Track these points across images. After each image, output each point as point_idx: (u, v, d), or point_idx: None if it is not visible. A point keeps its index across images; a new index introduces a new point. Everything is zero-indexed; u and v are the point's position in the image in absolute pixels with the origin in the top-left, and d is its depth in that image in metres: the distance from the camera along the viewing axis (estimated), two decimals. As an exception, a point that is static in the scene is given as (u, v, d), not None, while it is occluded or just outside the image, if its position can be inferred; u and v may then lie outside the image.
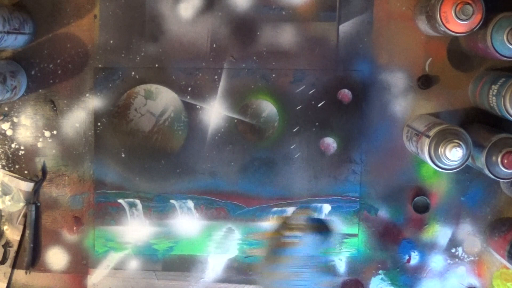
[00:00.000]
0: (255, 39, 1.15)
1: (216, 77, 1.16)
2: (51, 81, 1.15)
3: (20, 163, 1.17)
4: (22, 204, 1.17)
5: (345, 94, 1.17)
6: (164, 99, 1.16)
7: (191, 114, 1.17)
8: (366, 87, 1.16)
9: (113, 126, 1.17)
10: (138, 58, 1.15)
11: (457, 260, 1.21)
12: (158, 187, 1.18)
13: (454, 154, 0.99)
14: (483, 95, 1.09)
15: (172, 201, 1.19)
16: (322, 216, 1.19)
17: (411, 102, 1.16)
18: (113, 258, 1.20)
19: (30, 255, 1.17)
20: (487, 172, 1.04)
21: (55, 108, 1.16)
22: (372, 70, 1.16)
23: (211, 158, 1.18)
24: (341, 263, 1.21)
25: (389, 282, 1.21)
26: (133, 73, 1.15)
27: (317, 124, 1.17)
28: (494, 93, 1.04)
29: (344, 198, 1.19)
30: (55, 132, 1.16)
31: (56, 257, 1.19)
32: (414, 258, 1.20)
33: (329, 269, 1.20)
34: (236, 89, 1.16)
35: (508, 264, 1.14)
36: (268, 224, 1.19)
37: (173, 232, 1.20)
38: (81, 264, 1.19)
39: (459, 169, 1.02)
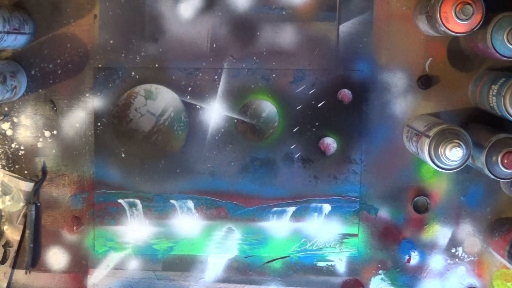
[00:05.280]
0: (255, 39, 1.15)
1: (216, 77, 1.16)
2: (51, 81, 1.15)
3: (20, 163, 1.17)
4: (22, 204, 1.17)
5: (345, 94, 1.17)
6: (164, 99, 1.16)
7: (191, 114, 1.17)
8: (366, 87, 1.16)
9: (113, 126, 1.17)
10: (138, 58, 1.15)
11: (457, 260, 1.21)
12: (158, 187, 1.18)
13: (454, 154, 0.99)
14: (483, 95, 1.09)
15: (172, 201, 1.19)
16: (322, 216, 1.19)
17: (411, 102, 1.16)
18: (113, 258, 1.20)
19: (30, 255, 1.17)
20: (487, 172, 1.04)
21: (55, 108, 1.16)
22: (372, 70, 1.16)
23: (211, 158, 1.18)
24: (341, 263, 1.21)
25: (389, 282, 1.21)
26: (133, 73, 1.15)
27: (317, 124, 1.17)
28: (494, 93, 1.04)
29: (344, 198, 1.19)
30: (55, 132, 1.16)
31: (56, 257, 1.19)
32: (414, 258, 1.20)
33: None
34: (236, 89, 1.16)
35: (508, 264, 1.14)
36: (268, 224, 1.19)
37: (173, 232, 1.20)
38: (81, 264, 1.20)
39: (459, 169, 1.02)
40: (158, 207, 1.19)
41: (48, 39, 1.14)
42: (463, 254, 1.21)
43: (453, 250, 1.20)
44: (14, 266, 1.18)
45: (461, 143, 0.99)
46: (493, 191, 1.19)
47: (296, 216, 1.19)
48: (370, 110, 1.17)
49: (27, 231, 1.17)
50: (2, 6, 1.06)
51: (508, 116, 1.01)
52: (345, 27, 1.15)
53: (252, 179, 1.19)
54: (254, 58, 1.16)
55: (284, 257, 1.21)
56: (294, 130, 1.17)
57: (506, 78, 1.03)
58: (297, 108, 1.17)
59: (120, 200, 1.18)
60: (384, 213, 1.19)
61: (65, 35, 1.14)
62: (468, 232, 1.20)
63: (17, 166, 1.17)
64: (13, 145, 1.16)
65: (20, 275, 1.19)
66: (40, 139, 1.16)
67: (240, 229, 1.20)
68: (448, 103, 1.16)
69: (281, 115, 1.17)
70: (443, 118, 1.16)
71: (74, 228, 1.18)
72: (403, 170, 1.18)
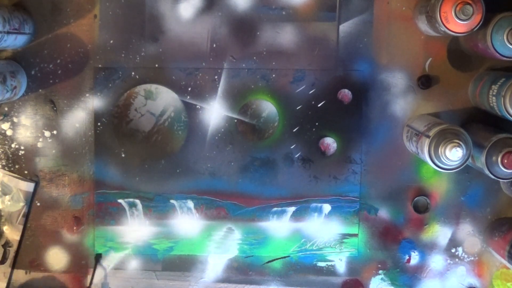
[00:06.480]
0: (255, 39, 1.15)
1: (216, 77, 1.16)
2: (51, 81, 1.15)
3: (20, 163, 1.17)
4: (22, 204, 1.17)
5: (345, 94, 1.17)
6: (164, 99, 1.16)
7: (191, 114, 1.17)
8: (366, 87, 1.16)
9: (113, 126, 1.17)
10: (138, 58, 1.15)
11: (457, 260, 1.21)
12: (158, 187, 1.18)
13: (454, 154, 0.99)
14: (483, 95, 1.09)
15: (172, 201, 1.19)
16: (322, 216, 1.19)
17: (411, 102, 1.16)
18: (113, 258, 1.20)
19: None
20: (487, 172, 1.04)
21: (55, 108, 1.16)
22: (372, 70, 1.16)
23: (211, 158, 1.18)
24: (341, 263, 1.21)
25: (389, 282, 1.21)
26: (133, 73, 1.15)
27: (317, 124, 1.17)
28: (494, 93, 1.04)
29: (344, 198, 1.19)
30: (55, 132, 1.16)
31: (56, 257, 1.19)
32: (414, 258, 1.20)
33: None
34: (236, 89, 1.16)
35: (508, 264, 1.14)
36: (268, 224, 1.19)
37: (173, 232, 1.20)
38: (81, 264, 1.19)
39: (459, 169, 1.02)
40: (158, 207, 1.19)
41: (48, 39, 1.14)
42: (463, 254, 1.21)
43: (453, 250, 1.20)
44: (14, 266, 1.18)
45: (461, 143, 0.99)
46: (493, 191, 1.19)
47: (296, 216, 1.19)
48: (370, 110, 1.17)
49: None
50: (2, 6, 1.06)
51: (508, 116, 1.01)
52: (345, 27, 1.15)
53: (252, 179, 1.18)
54: (254, 58, 1.15)
55: (284, 257, 1.21)
56: (294, 130, 1.17)
57: (506, 78, 1.03)
58: (297, 108, 1.17)
59: (120, 200, 1.18)
60: (384, 213, 1.19)
61: (65, 35, 1.14)
62: (468, 232, 1.20)
63: (17, 166, 1.17)
64: (13, 145, 1.16)
65: (20, 275, 1.19)
66: (40, 139, 1.16)
67: (240, 229, 1.20)
68: (448, 103, 1.16)
69: (281, 115, 1.17)
70: (443, 118, 1.16)
71: (74, 228, 1.18)
72: (403, 170, 1.18)
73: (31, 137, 1.16)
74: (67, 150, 1.17)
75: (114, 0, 1.13)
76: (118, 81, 1.16)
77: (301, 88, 1.16)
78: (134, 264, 1.20)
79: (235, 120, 1.17)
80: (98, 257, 1.18)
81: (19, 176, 1.17)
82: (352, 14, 1.15)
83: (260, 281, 1.21)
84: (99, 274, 1.20)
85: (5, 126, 1.16)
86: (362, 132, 1.17)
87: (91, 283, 1.18)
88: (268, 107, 1.17)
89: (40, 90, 1.15)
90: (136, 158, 1.18)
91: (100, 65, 1.15)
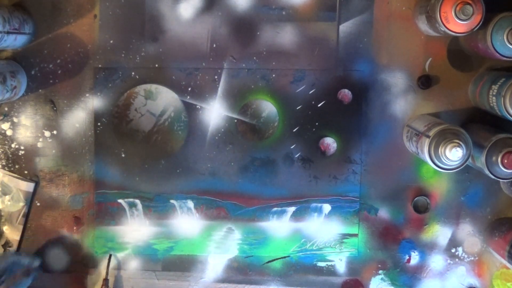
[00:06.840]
0: (255, 39, 1.15)
1: (216, 77, 1.16)
2: (51, 81, 1.15)
3: (20, 163, 1.17)
4: (22, 204, 1.17)
5: (345, 94, 1.17)
6: (164, 99, 1.16)
7: (191, 114, 1.17)
8: (366, 87, 1.16)
9: (113, 126, 1.17)
10: (138, 58, 1.15)
11: (457, 260, 1.21)
12: (158, 187, 1.18)
13: (454, 154, 0.99)
14: (483, 95, 1.09)
15: (172, 201, 1.19)
16: (322, 216, 1.19)
17: (411, 102, 1.16)
18: (113, 258, 1.20)
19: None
20: (487, 172, 1.04)
21: (55, 108, 1.16)
22: (372, 70, 1.16)
23: (211, 158, 1.18)
24: (341, 263, 1.21)
25: (389, 282, 1.21)
26: (133, 73, 1.15)
27: (317, 124, 1.17)
28: (494, 93, 1.04)
29: (344, 198, 1.19)
30: (55, 132, 1.16)
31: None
32: (414, 258, 1.20)
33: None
34: (236, 89, 1.16)
35: (508, 264, 1.14)
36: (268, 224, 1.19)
37: (173, 232, 1.20)
38: (81, 264, 1.19)
39: (459, 169, 1.02)
40: (158, 207, 1.19)
41: (48, 39, 1.14)
42: (463, 254, 1.21)
43: (453, 250, 1.20)
44: (14, 266, 1.19)
45: (461, 143, 0.99)
46: (493, 191, 1.19)
47: (296, 216, 1.19)
48: (370, 110, 1.17)
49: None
50: (2, 6, 1.06)
51: (508, 116, 1.01)
52: (345, 27, 1.15)
53: (252, 179, 1.19)
54: (254, 58, 1.16)
55: (284, 257, 1.21)
56: (294, 130, 1.17)
57: (506, 78, 1.03)
58: (297, 108, 1.17)
59: (120, 200, 1.18)
60: (384, 213, 1.19)
61: (65, 35, 1.14)
62: (468, 232, 1.20)
63: (17, 166, 1.17)
64: (13, 145, 1.16)
65: (20, 275, 1.19)
66: (40, 139, 1.16)
67: (240, 229, 1.20)
68: (448, 103, 1.16)
69: (281, 115, 1.17)
70: (443, 118, 1.16)
71: (74, 228, 1.18)
72: (403, 170, 1.18)
73: (31, 137, 1.16)
74: (67, 150, 1.17)
75: (114, 0, 1.13)
76: (118, 81, 1.16)
77: (301, 88, 1.16)
78: (134, 264, 1.20)
79: (235, 120, 1.17)
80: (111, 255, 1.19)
81: (19, 176, 1.17)
82: (352, 14, 1.15)
83: (260, 281, 1.21)
84: (99, 274, 1.20)
85: (5, 126, 1.16)
86: (362, 132, 1.17)
87: (107, 273, 1.18)
88: (268, 107, 1.17)
89: (40, 90, 1.15)
90: (136, 158, 1.18)
91: (100, 65, 1.15)
